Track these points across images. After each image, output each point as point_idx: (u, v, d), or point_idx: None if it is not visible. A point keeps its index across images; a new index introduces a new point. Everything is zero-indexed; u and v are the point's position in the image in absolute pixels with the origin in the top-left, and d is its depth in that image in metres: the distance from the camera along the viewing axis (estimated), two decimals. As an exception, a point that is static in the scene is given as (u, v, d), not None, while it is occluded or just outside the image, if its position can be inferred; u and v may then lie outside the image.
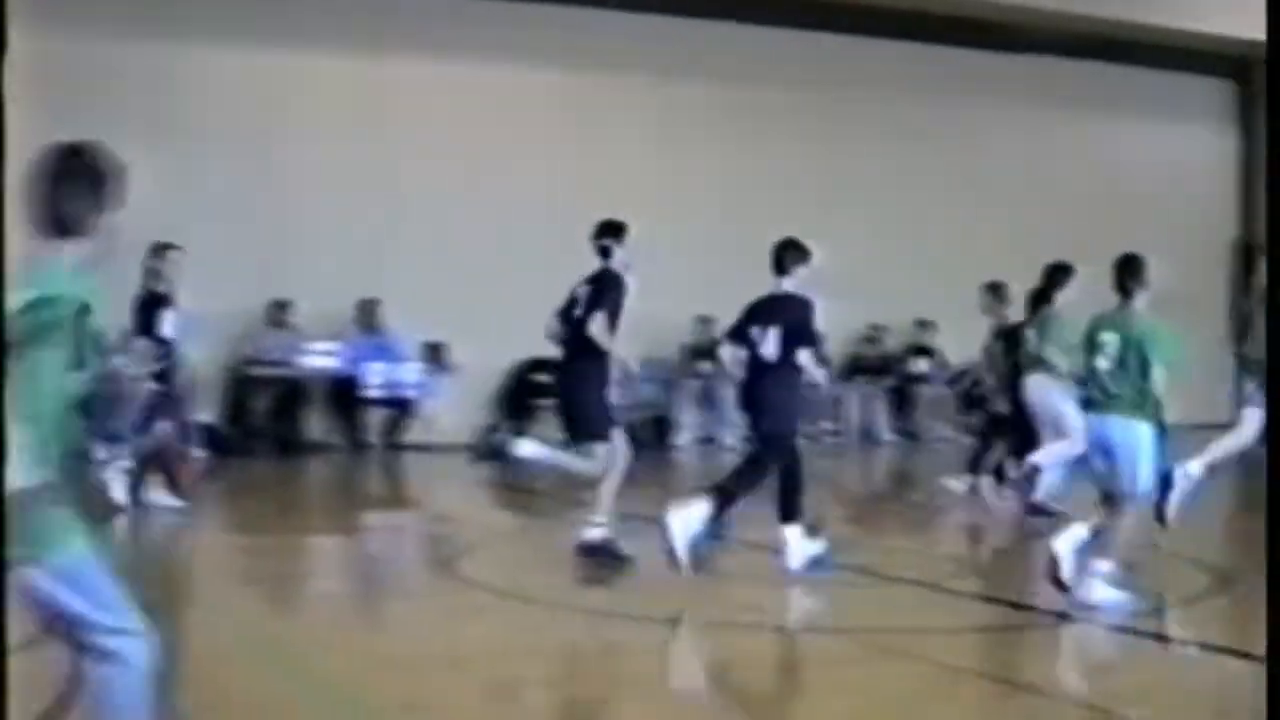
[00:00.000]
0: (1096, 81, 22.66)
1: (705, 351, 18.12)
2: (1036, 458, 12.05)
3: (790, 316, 9.98)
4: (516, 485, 14.76)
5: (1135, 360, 8.51)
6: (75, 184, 4.19)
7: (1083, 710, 6.61)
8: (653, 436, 18.82)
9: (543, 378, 18.55)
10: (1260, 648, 8.18)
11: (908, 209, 21.15)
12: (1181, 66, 23.32)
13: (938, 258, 20.78)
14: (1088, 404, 8.83)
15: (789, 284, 10.01)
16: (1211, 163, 24.09)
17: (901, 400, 21.21)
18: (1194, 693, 7.12)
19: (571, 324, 10.25)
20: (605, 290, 10.17)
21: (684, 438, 19.85)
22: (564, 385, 10.58)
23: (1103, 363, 8.64)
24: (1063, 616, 8.44)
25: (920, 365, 21.09)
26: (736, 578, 10.12)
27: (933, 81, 21.50)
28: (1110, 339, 8.65)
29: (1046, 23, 21.36)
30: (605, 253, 10.34)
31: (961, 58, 21.76)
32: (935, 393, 20.99)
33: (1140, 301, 8.75)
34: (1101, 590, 8.40)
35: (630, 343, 10.43)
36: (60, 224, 4.17)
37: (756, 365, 10.00)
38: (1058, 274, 12.84)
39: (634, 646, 8.09)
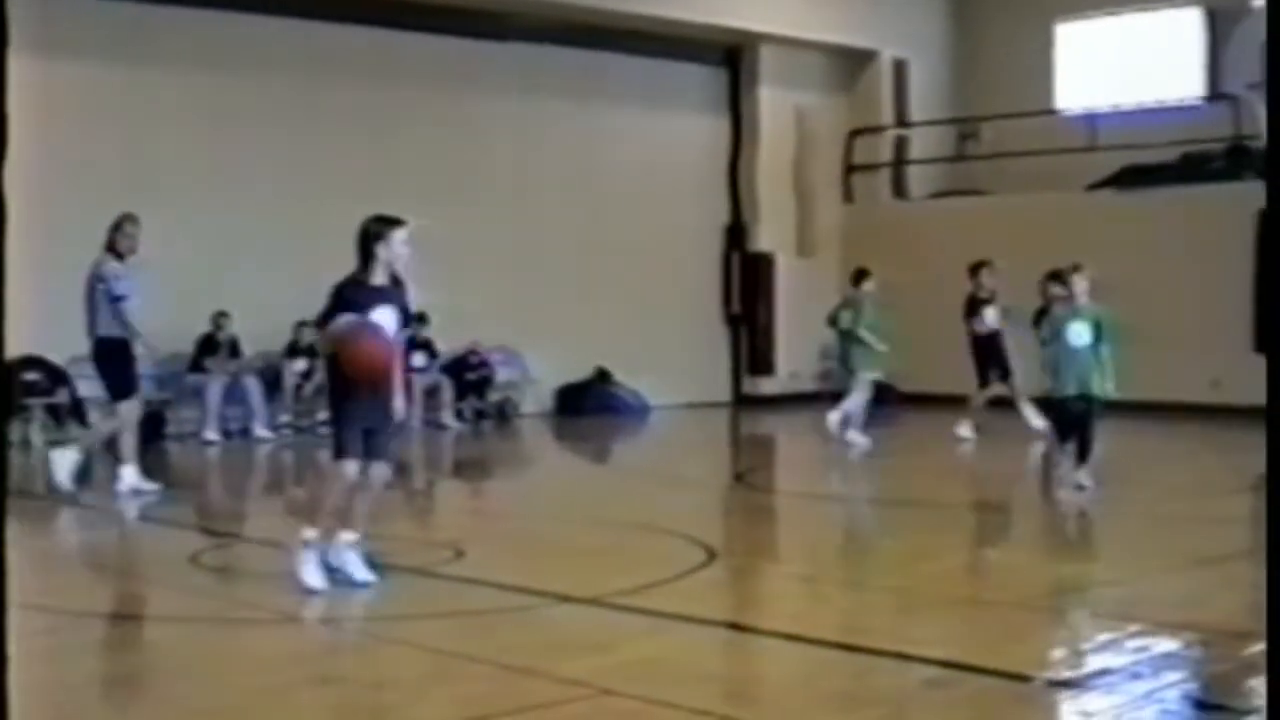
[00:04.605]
0: (591, 70, 23.01)
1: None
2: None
3: None
4: None
5: None
6: None
7: (583, 689, 6.59)
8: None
9: (34, 376, 17.68)
10: (749, 619, 8.55)
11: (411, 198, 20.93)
12: (674, 55, 23.91)
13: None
14: None
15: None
16: (706, 148, 24.74)
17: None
18: (694, 665, 7.25)
19: None
20: None
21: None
22: None
23: None
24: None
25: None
26: (242, 575, 9.99)
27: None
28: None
29: (538, 11, 21.64)
30: None
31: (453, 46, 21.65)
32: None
33: None
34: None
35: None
36: None
37: None
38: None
39: (104, 646, 7.94)
